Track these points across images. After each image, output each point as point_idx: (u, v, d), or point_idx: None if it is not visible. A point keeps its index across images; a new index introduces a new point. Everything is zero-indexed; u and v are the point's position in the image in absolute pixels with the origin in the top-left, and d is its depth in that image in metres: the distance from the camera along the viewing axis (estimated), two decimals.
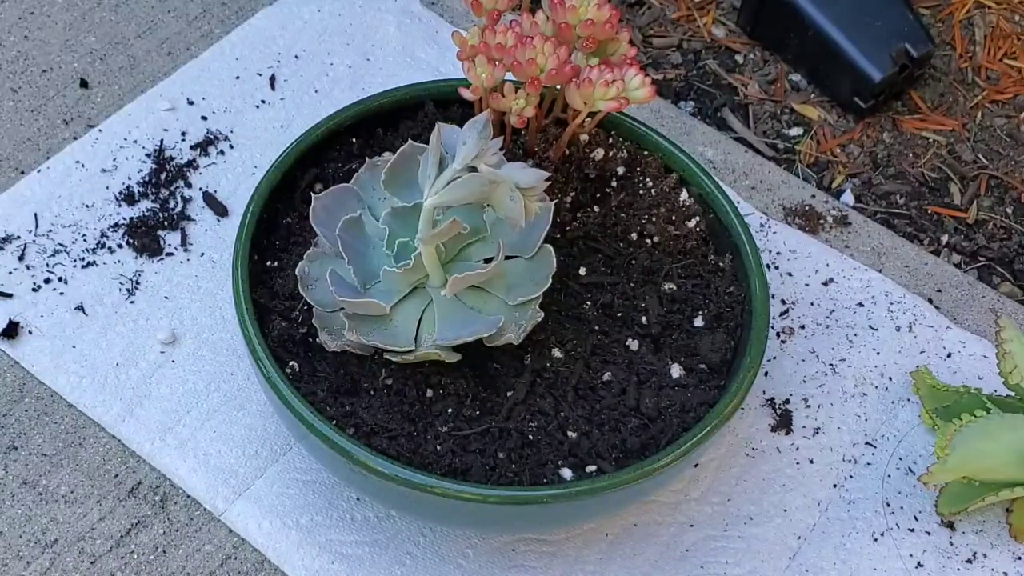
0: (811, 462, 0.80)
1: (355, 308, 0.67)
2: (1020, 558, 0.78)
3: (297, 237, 0.74)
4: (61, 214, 0.86)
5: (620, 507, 0.74)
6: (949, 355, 0.86)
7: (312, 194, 0.71)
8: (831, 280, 0.89)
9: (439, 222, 0.66)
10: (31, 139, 0.91)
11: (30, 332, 0.81)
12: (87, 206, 0.87)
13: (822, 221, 0.92)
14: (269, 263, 0.72)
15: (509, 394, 0.69)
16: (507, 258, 0.70)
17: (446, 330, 0.68)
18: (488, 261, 0.69)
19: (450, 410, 0.68)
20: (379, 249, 0.69)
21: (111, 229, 0.86)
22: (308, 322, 0.70)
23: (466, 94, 0.72)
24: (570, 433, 0.68)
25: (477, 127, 0.64)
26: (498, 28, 0.70)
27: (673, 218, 0.77)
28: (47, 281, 0.83)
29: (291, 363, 0.69)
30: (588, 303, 0.73)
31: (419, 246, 0.66)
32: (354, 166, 0.75)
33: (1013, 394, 0.78)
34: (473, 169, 0.64)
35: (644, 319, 0.73)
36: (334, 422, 0.66)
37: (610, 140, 0.79)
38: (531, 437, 0.68)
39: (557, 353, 0.71)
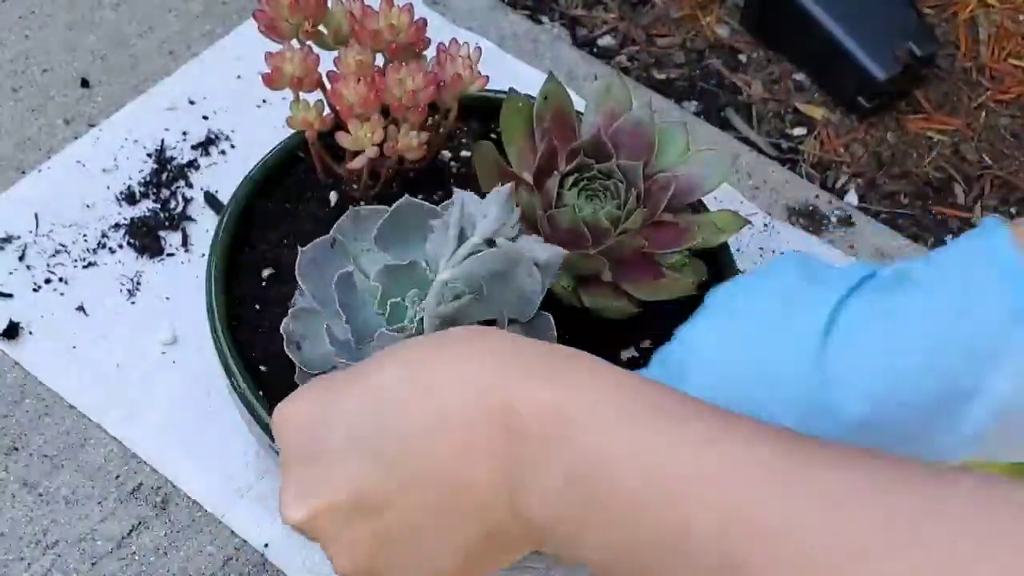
0: None
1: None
2: None
3: (276, 230, 0.73)
4: (61, 214, 0.86)
5: None
6: None
7: (299, 248, 0.66)
8: None
9: (446, 294, 0.63)
10: (32, 139, 0.90)
11: (30, 333, 0.80)
12: (88, 206, 0.86)
13: (826, 221, 0.92)
14: (249, 274, 0.71)
15: None
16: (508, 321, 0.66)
17: None
18: (484, 324, 0.64)
19: None
20: (369, 306, 0.65)
21: (112, 229, 0.85)
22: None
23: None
24: None
25: (500, 200, 0.61)
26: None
27: None
28: (47, 281, 0.83)
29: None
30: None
31: (426, 320, 0.62)
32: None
33: None
34: (490, 242, 0.61)
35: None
36: None
37: None
38: None
39: None
